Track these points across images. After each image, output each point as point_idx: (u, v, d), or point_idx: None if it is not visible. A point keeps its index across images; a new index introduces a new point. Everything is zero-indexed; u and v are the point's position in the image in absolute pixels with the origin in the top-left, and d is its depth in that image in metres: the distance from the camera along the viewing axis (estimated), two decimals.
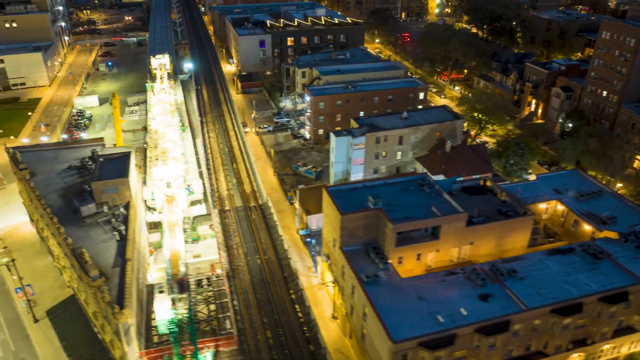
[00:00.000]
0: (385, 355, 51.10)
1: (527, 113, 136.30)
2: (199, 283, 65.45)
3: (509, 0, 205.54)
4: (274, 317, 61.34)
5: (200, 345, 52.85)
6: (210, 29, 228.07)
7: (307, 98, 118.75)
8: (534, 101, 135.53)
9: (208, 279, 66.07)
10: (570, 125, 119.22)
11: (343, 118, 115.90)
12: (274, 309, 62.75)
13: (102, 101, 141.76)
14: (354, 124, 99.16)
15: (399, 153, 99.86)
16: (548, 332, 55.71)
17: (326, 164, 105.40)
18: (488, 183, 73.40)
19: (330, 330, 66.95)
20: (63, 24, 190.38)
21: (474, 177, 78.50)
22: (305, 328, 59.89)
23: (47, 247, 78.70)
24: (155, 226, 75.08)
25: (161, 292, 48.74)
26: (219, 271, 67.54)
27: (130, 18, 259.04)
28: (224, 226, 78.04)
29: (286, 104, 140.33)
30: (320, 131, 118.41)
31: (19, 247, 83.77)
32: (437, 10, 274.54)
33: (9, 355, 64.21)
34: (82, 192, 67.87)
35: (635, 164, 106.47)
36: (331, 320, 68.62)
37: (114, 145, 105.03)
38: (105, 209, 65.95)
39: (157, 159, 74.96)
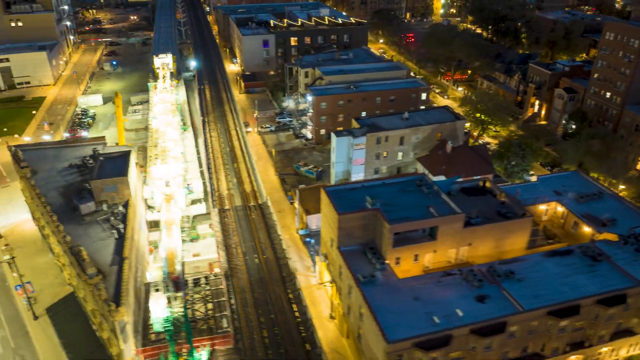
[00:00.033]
0: (380, 356, 51.08)
1: (530, 114, 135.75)
2: (197, 282, 65.75)
3: (514, 1, 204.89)
4: (270, 316, 61.48)
5: (196, 344, 53.05)
6: (215, 28, 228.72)
7: (309, 98, 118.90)
8: (537, 102, 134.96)
9: (206, 277, 66.34)
10: (573, 126, 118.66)
11: (345, 118, 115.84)
12: (270, 308, 62.91)
13: (106, 100, 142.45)
14: (355, 124, 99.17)
15: (400, 153, 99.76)
16: (545, 334, 55.52)
17: (327, 164, 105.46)
18: (487, 184, 73.21)
19: (327, 330, 67.04)
20: (68, 23, 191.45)
21: (474, 177, 78.24)
22: (301, 328, 59.91)
23: (48, 244, 79.20)
24: (155, 225, 75.44)
25: (157, 290, 48.99)
26: (217, 270, 67.81)
27: (135, 17, 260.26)
28: (223, 225, 78.32)
29: (289, 103, 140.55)
30: (322, 131, 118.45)
31: (21, 245, 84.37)
32: (441, 11, 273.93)
33: (9, 351, 64.72)
34: (82, 191, 68.25)
35: (638, 166, 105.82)
36: (329, 320, 68.70)
37: (117, 144, 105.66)
38: (104, 207, 66.33)
39: (156, 158, 75.24)
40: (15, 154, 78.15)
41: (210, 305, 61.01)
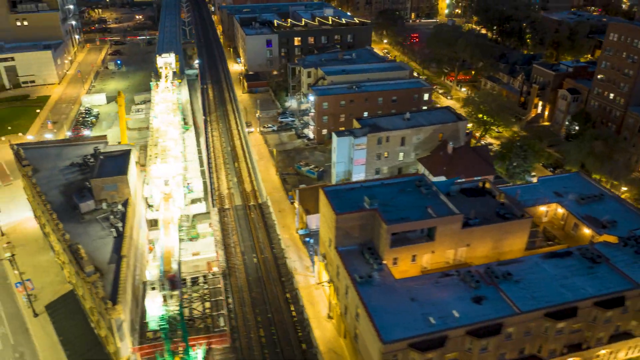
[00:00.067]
0: (375, 356, 51.06)
1: (533, 115, 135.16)
2: (195, 281, 65.98)
3: (519, 1, 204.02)
4: (267, 315, 61.63)
5: (192, 342, 53.26)
6: (219, 28, 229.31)
7: (311, 98, 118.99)
8: (540, 103, 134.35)
9: (204, 276, 66.55)
10: (576, 127, 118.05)
11: (347, 118, 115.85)
12: (268, 307, 63.03)
13: (110, 99, 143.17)
14: (356, 124, 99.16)
15: (401, 154, 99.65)
16: (542, 336, 55.28)
17: (329, 164, 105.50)
18: (487, 185, 72.96)
19: (325, 330, 67.13)
20: (73, 22, 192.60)
21: (475, 178, 78.02)
22: (298, 327, 60.01)
23: (49, 242, 79.74)
24: (155, 224, 75.75)
25: (153, 289, 49.22)
26: (215, 269, 68.02)
27: (140, 17, 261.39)
28: (222, 224, 78.54)
29: (292, 103, 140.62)
30: (324, 131, 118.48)
31: (23, 243, 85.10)
32: (446, 11, 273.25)
33: (8, 348, 65.26)
34: (82, 189, 68.62)
35: None
36: (327, 320, 68.79)
37: (119, 143, 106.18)
38: (104, 205, 66.65)
39: (156, 157, 75.57)
40: (17, 152, 78.68)
41: (207, 304, 61.21)
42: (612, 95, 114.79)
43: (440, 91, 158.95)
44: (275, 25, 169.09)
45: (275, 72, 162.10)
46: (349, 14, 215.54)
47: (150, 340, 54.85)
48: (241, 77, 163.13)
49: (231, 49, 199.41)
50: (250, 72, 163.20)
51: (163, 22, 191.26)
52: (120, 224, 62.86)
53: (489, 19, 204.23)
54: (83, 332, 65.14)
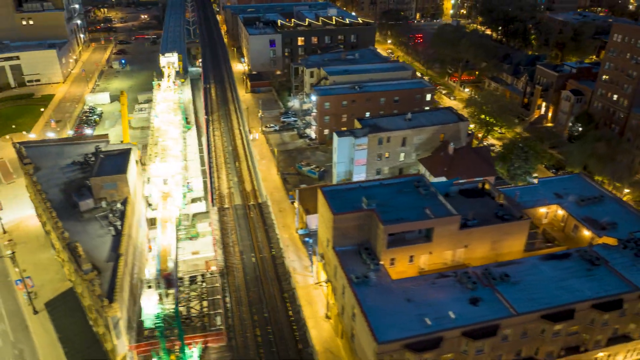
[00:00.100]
0: (371, 356, 51.05)
1: (536, 116, 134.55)
2: (193, 279, 66.22)
3: (524, 2, 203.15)
4: (264, 315, 61.76)
5: (188, 341, 53.45)
6: (224, 28, 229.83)
7: (313, 98, 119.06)
8: (543, 104, 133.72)
9: (203, 275, 66.78)
10: (579, 129, 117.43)
11: (349, 118, 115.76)
12: (265, 307, 63.16)
13: (113, 98, 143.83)
14: (357, 124, 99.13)
15: (402, 154, 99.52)
16: (539, 338, 55.06)
17: (330, 164, 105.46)
18: (486, 186, 72.77)
19: (322, 330, 67.19)
20: (79, 21, 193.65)
21: (476, 179, 77.79)
22: (294, 327, 60.10)
23: (50, 240, 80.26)
24: (154, 222, 76.07)
25: (149, 287, 49.50)
26: (213, 268, 68.24)
27: (146, 16, 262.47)
28: (222, 224, 78.76)
29: (294, 103, 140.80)
30: (326, 131, 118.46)
31: (24, 240, 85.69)
32: (451, 11, 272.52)
33: (8, 345, 65.73)
34: (82, 188, 69.03)
35: None
36: (324, 320, 68.84)
37: (121, 141, 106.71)
38: (103, 204, 67.00)
39: (156, 156, 75.91)
40: (19, 150, 79.27)
41: (205, 303, 61.41)
42: (615, 96, 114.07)
43: (444, 92, 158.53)
44: (279, 25, 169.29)
45: (278, 72, 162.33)
46: (353, 14, 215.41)
47: (147, 338, 55.09)
48: (244, 77, 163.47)
49: (235, 49, 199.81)
50: (254, 72, 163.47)
51: (168, 22, 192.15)
52: (118, 223, 63.23)
53: (494, 19, 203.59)
54: (82, 329, 65.54)
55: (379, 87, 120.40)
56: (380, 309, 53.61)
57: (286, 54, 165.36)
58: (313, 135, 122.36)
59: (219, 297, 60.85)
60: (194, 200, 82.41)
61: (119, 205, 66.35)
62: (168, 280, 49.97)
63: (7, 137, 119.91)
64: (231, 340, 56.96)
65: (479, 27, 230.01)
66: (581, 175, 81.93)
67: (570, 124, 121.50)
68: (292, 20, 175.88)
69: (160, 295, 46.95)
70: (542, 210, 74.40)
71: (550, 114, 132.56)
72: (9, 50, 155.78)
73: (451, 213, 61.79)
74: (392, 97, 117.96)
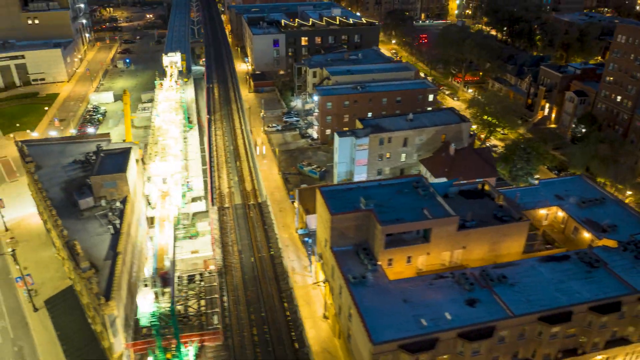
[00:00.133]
0: (366, 357, 51.00)
1: (540, 117, 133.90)
2: (191, 278, 66.46)
3: (530, 2, 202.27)
4: (261, 314, 61.87)
5: (184, 339, 53.64)
6: (228, 27, 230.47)
7: (315, 98, 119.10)
8: (547, 105, 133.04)
9: (201, 274, 67.00)
10: (583, 130, 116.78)
11: (351, 118, 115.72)
12: (262, 306, 63.26)
13: (117, 97, 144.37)
14: (359, 124, 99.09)
15: (404, 155, 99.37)
16: (536, 340, 54.78)
17: (331, 164, 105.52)
18: (486, 187, 72.51)
19: (320, 330, 67.18)
20: (84, 21, 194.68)
21: (477, 180, 77.54)
22: (291, 327, 60.17)
23: (51, 238, 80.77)
24: (153, 221, 76.30)
25: (145, 285, 49.78)
26: (212, 267, 68.42)
27: (151, 16, 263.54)
28: (221, 223, 78.97)
29: (297, 103, 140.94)
30: (328, 131, 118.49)
31: (26, 238, 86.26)
32: (457, 12, 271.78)
33: (8, 342, 66.20)
34: (82, 186, 69.38)
35: None
36: (322, 320, 68.83)
37: (124, 140, 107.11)
38: (103, 202, 67.28)
39: (155, 155, 76.21)
40: (21, 149, 79.79)
41: (203, 302, 61.62)
42: (619, 97, 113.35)
43: (447, 92, 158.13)
44: (283, 25, 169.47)
45: (281, 72, 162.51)
46: (358, 14, 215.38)
47: (144, 336, 55.31)
48: (248, 77, 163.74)
49: (239, 49, 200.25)
50: (257, 72, 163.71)
51: (172, 21, 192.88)
52: (117, 221, 63.46)
53: (499, 19, 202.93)
54: (81, 327, 65.90)
55: (381, 87, 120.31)
56: (377, 310, 53.54)
57: (290, 53, 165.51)
58: (315, 135, 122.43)
59: (216, 296, 61.00)
60: (194, 200, 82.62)
61: (118, 204, 66.63)
62: (164, 279, 50.17)
63: (11, 135, 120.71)
64: (228, 340, 57.14)
65: (484, 27, 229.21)
66: (582, 177, 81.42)
67: (574, 126, 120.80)
68: (296, 20, 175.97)
69: (156, 293, 47.12)
70: (543, 211, 74.03)
71: (553, 115, 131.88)
72: (14, 49, 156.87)
73: (449, 214, 61.63)
74: (394, 97, 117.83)
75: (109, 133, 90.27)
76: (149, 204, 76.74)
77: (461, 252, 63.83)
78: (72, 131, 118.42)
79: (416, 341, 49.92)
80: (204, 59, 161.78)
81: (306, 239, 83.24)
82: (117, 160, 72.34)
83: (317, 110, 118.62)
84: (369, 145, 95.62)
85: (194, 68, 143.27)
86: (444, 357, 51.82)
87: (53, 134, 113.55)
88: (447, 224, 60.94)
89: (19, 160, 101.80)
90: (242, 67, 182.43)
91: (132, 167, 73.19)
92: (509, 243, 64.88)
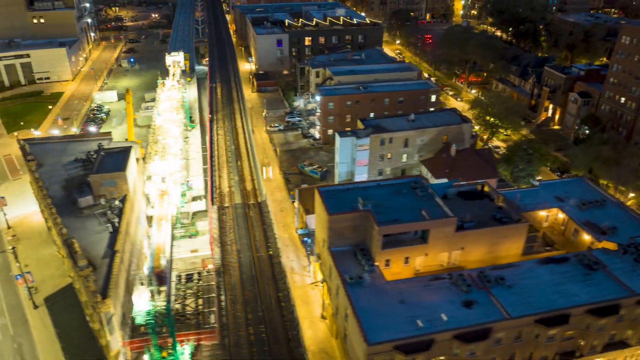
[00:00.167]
0: (361, 357, 50.93)
1: (543, 118, 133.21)
2: (190, 277, 66.67)
3: (535, 3, 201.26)
4: (258, 314, 61.95)
5: (181, 338, 53.81)
6: (232, 27, 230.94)
7: (317, 98, 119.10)
8: (551, 106, 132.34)
9: (199, 273, 67.19)
10: (586, 131, 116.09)
11: (353, 119, 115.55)
12: (259, 306, 63.35)
13: (121, 96, 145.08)
14: (360, 124, 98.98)
15: (405, 155, 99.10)
16: (533, 343, 54.51)
17: (332, 164, 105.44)
18: (485, 188, 72.23)
19: (318, 330, 67.14)
20: (89, 20, 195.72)
21: (478, 181, 77.24)
22: (288, 327, 60.21)
23: (52, 236, 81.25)
24: (151, 220, 76.61)
25: (142, 284, 50.02)
26: (210, 266, 68.60)
27: (156, 15, 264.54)
28: (221, 222, 79.16)
29: (300, 103, 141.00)
30: (330, 131, 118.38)
31: (28, 236, 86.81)
32: (462, 12, 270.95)
33: (8, 339, 66.67)
34: (82, 185, 69.78)
35: None
36: (320, 320, 68.78)
37: (126, 139, 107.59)
38: (102, 201, 67.65)
39: (155, 154, 76.56)
40: (23, 147, 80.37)
41: (200, 301, 61.79)
42: (623, 99, 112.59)
43: (450, 93, 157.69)
44: (287, 25, 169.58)
45: (285, 72, 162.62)
46: (363, 14, 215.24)
47: (141, 334, 55.51)
48: (251, 77, 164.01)
49: (243, 48, 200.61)
50: (261, 72, 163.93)
51: (177, 21, 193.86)
52: (116, 220, 63.77)
53: (504, 20, 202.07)
54: (79, 325, 66.24)
55: (384, 87, 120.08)
56: (373, 310, 53.45)
57: (293, 53, 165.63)
58: (317, 135, 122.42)
59: (213, 295, 61.14)
60: (194, 199, 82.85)
61: (117, 203, 66.97)
62: (160, 277, 50.38)
63: (15, 133, 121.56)
64: (224, 339, 57.29)
65: (489, 28, 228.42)
66: (584, 179, 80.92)
67: (577, 127, 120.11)
68: (300, 20, 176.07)
69: (152, 292, 47.33)
70: (543, 213, 73.62)
71: (557, 116, 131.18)
72: (19, 48, 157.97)
73: (447, 215, 61.45)
74: (396, 97, 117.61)
75: (110, 132, 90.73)
76: (149, 202, 77.03)
77: (459, 253, 63.61)
78: (74, 130, 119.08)
79: (411, 342, 49.79)
80: (207, 59, 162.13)
81: (305, 238, 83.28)
82: (117, 159, 72.72)
83: (319, 110, 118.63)
84: (370, 145, 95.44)
85: (197, 67, 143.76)
86: (440, 358, 51.68)
87: (55, 132, 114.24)
88: (445, 225, 60.75)
89: (23, 159, 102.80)
90: (246, 66, 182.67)
91: (132, 166, 73.55)
92: (507, 245, 64.58)
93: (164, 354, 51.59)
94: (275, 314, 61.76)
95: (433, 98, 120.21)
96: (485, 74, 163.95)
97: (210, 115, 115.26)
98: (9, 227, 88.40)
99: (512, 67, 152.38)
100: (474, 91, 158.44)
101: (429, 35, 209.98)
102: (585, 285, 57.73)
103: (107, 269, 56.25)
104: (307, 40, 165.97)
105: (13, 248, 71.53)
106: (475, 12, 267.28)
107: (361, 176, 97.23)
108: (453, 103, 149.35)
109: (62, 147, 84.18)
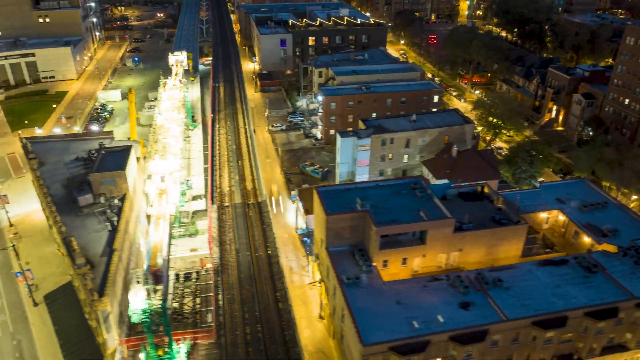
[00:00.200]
0: (357, 358, 50.84)
1: (547, 119, 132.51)
2: (188, 276, 66.82)
3: (541, 3, 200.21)
4: (255, 313, 62.00)
5: (177, 337, 53.94)
6: (237, 27, 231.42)
7: (320, 98, 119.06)
8: (554, 107, 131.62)
9: (197, 272, 67.34)
10: (590, 133, 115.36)
11: (355, 119, 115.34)
12: (256, 305, 63.38)
13: (125, 95, 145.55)
14: (361, 125, 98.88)
15: (406, 156, 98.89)
16: (530, 345, 54.22)
17: (333, 164, 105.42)
18: (485, 189, 71.90)
19: (316, 330, 67.15)
20: (94, 19, 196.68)
21: (479, 182, 76.91)
22: (284, 327, 60.22)
23: (53, 234, 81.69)
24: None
25: (138, 282, 50.18)
26: (209, 265, 68.74)
27: (162, 15, 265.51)
28: (220, 222, 79.30)
29: (302, 103, 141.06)
30: (332, 131, 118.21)
31: (30, 234, 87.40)
32: (467, 13, 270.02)
33: (7, 336, 67.13)
34: (82, 183, 70.10)
35: None
36: (318, 320, 68.79)
37: (128, 138, 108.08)
38: (102, 200, 67.94)
39: (155, 153, 76.81)
40: (25, 146, 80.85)
41: (198, 300, 61.93)
42: (627, 100, 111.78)
43: (454, 93, 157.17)
44: (290, 24, 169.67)
45: (288, 72, 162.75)
46: (368, 14, 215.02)
47: (137, 332, 55.73)
48: (254, 76, 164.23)
49: (247, 48, 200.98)
50: (264, 71, 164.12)
51: (182, 20, 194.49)
52: (115, 218, 64.02)
53: (509, 21, 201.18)
54: (78, 322, 66.56)
55: (386, 88, 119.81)
56: (369, 311, 53.33)
57: (297, 53, 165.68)
58: (319, 135, 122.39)
59: (211, 294, 61.24)
60: (194, 198, 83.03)
61: (116, 201, 67.23)
62: (156, 276, 50.55)
63: (20, 132, 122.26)
64: (220, 338, 57.35)
65: (494, 28, 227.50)
66: (585, 181, 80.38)
67: (580, 128, 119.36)
68: (304, 20, 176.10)
69: (147, 290, 47.51)
70: (543, 215, 73.14)
71: (561, 118, 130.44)
72: (25, 47, 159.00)
73: (445, 216, 61.22)
74: (399, 98, 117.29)
75: (112, 131, 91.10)
76: (149, 201, 77.22)
77: (458, 254, 63.34)
78: (76, 128, 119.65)
79: (407, 343, 49.64)
80: (207, 59, 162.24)
81: (305, 238, 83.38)
82: (117, 158, 73.02)
83: (321, 110, 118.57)
84: (371, 146, 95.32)
85: (201, 67, 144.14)
86: None
87: (57, 131, 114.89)
88: (443, 226, 60.51)
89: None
90: (250, 66, 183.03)
91: (132, 165, 73.81)
92: (506, 246, 64.22)
93: (160, 352, 51.74)
94: (272, 313, 61.79)
95: (436, 98, 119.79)
96: (489, 75, 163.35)
97: (212, 115, 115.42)
98: (11, 225, 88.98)
99: (516, 67, 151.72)
100: (477, 92, 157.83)
101: (433, 36, 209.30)
102: (584, 287, 57.33)
103: (104, 267, 56.52)
104: (311, 40, 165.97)
105: (13, 245, 71.90)
106: (481, 13, 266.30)
107: (362, 176, 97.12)
108: (457, 104, 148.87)
109: (64, 145, 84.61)
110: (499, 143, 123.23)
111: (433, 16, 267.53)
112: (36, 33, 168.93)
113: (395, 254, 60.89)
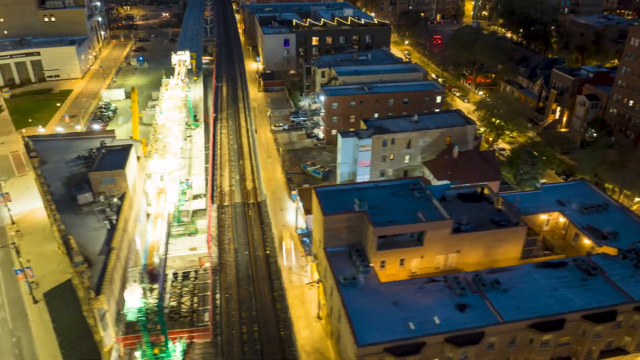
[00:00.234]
0: (352, 359, 50.78)
1: (550, 121, 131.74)
2: (186, 275, 66.95)
3: (546, 4, 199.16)
4: (252, 313, 62.04)
5: (173, 336, 54.06)
6: (241, 27, 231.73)
7: (322, 98, 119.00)
8: (558, 109, 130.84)
9: (196, 271, 67.46)
10: (594, 134, 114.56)
11: (357, 119, 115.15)
12: (254, 305, 63.42)
13: (128, 94, 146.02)
14: (362, 125, 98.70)
15: (407, 156, 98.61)
16: (527, 348, 53.94)
17: (334, 164, 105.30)
18: (485, 190, 71.60)
19: (314, 330, 67.09)
20: (99, 19, 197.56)
21: (479, 184, 76.58)
22: (281, 326, 60.22)
23: (54, 232, 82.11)
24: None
25: (134, 281, 50.35)
26: (207, 265, 68.84)
27: (167, 14, 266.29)
28: (220, 221, 79.40)
29: (305, 103, 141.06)
30: (334, 131, 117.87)
31: (31, 231, 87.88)
32: (472, 13, 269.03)
33: (6, 333, 67.55)
34: (82, 182, 70.40)
35: None
36: (316, 320, 68.72)
37: (131, 137, 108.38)
38: (101, 198, 68.21)
39: (155, 153, 77.03)
40: (27, 144, 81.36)
41: (195, 299, 62.04)
42: (631, 102, 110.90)
43: (458, 94, 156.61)
44: (294, 24, 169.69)
45: (292, 72, 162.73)
46: (372, 15, 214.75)
47: (134, 331, 55.89)
48: (257, 76, 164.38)
49: (250, 48, 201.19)
50: (267, 71, 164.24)
51: (187, 20, 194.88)
52: (114, 217, 64.25)
53: (515, 21, 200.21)
54: (77, 320, 66.69)
55: (388, 88, 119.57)
56: (366, 312, 53.29)
57: (300, 53, 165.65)
58: (321, 135, 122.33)
59: (208, 293, 61.33)
60: (195, 197, 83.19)
61: (115, 200, 67.48)
62: (152, 275, 50.70)
63: (23, 130, 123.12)
64: (216, 337, 57.41)
65: (499, 29, 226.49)
66: (586, 183, 79.88)
67: (584, 130, 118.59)
68: (308, 20, 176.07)
69: (143, 289, 47.65)
70: (543, 217, 72.80)
71: (564, 119, 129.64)
72: (30, 46, 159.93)
73: (443, 217, 61.03)
74: (401, 98, 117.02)
75: (113, 130, 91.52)
76: (148, 200, 77.44)
77: (456, 256, 63.14)
78: (77, 127, 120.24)
79: (402, 344, 49.56)
80: (207, 57, 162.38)
81: (304, 239, 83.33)
82: (117, 157, 73.30)
83: (323, 111, 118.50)
84: (372, 146, 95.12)
85: (204, 66, 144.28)
86: None
87: (59, 129, 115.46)
88: (440, 227, 60.33)
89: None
90: (254, 66, 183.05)
91: (132, 164, 74.06)
92: (505, 248, 63.93)
93: (156, 350, 51.89)
94: (269, 313, 61.84)
95: (438, 99, 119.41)
96: (493, 76, 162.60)
97: (214, 115, 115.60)
98: (13, 223, 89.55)
99: (521, 68, 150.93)
100: (481, 92, 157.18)
101: (438, 36, 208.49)
102: (582, 290, 57.02)
103: (102, 266, 56.73)
104: (314, 40, 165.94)
105: (14, 243, 72.32)
106: (486, 13, 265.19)
107: (363, 177, 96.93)
108: (460, 104, 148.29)
109: (66, 144, 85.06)
110: (501, 144, 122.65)
111: (438, 16, 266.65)
112: (41, 32, 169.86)
113: (392, 254, 60.80)
